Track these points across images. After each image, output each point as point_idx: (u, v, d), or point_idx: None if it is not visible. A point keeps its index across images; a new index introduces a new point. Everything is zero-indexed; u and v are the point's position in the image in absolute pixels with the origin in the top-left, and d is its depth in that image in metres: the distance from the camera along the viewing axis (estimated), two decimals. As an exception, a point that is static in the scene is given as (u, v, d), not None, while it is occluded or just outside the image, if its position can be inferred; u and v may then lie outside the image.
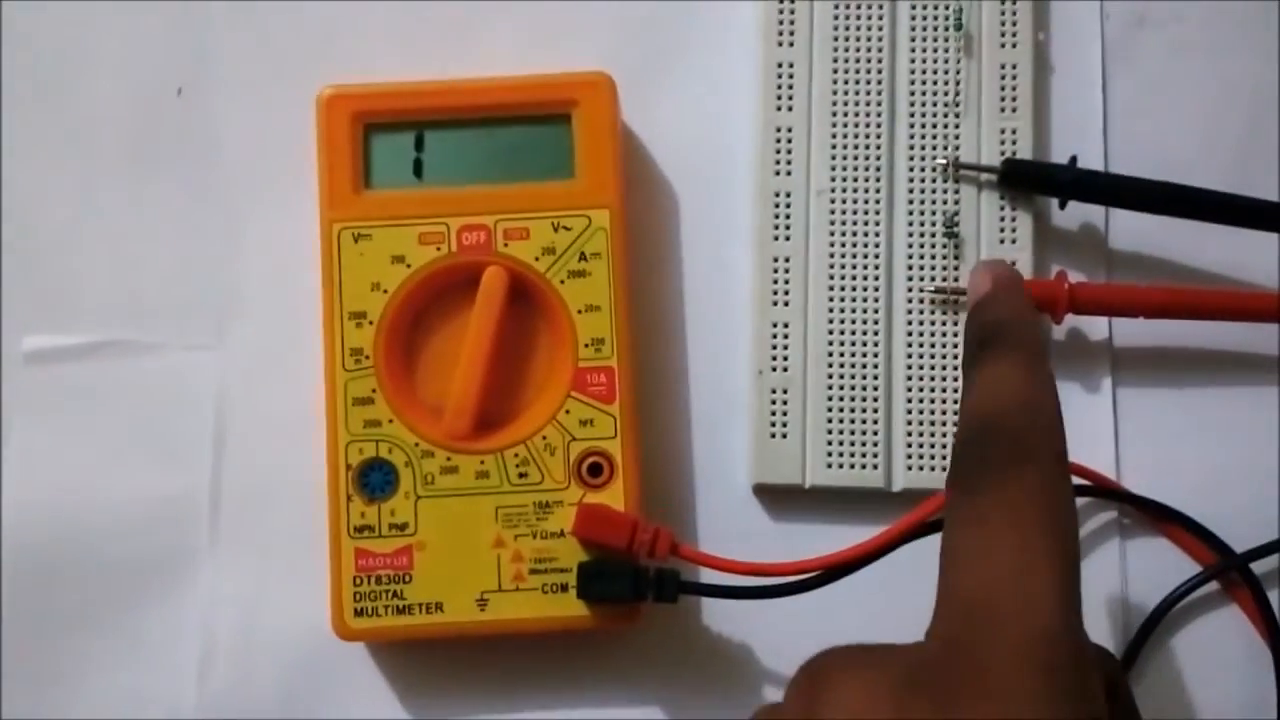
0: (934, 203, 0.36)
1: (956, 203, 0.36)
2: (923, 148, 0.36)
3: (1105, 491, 0.36)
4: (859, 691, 0.21)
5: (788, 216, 0.36)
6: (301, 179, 0.35)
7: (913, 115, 0.36)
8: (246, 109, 0.37)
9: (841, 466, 0.35)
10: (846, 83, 0.36)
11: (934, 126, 0.36)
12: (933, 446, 0.35)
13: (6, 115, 0.37)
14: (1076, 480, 0.35)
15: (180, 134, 0.37)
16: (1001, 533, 0.20)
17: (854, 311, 0.36)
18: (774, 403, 0.36)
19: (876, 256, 0.36)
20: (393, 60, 0.36)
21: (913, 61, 0.36)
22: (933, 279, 0.36)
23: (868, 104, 0.36)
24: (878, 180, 0.36)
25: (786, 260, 0.36)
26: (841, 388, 0.35)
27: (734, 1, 0.37)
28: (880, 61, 0.36)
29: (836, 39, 0.36)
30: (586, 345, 0.34)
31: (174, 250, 0.37)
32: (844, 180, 0.36)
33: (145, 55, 0.38)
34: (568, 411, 0.34)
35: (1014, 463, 0.21)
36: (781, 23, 0.36)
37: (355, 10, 0.37)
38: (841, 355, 0.36)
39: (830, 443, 0.35)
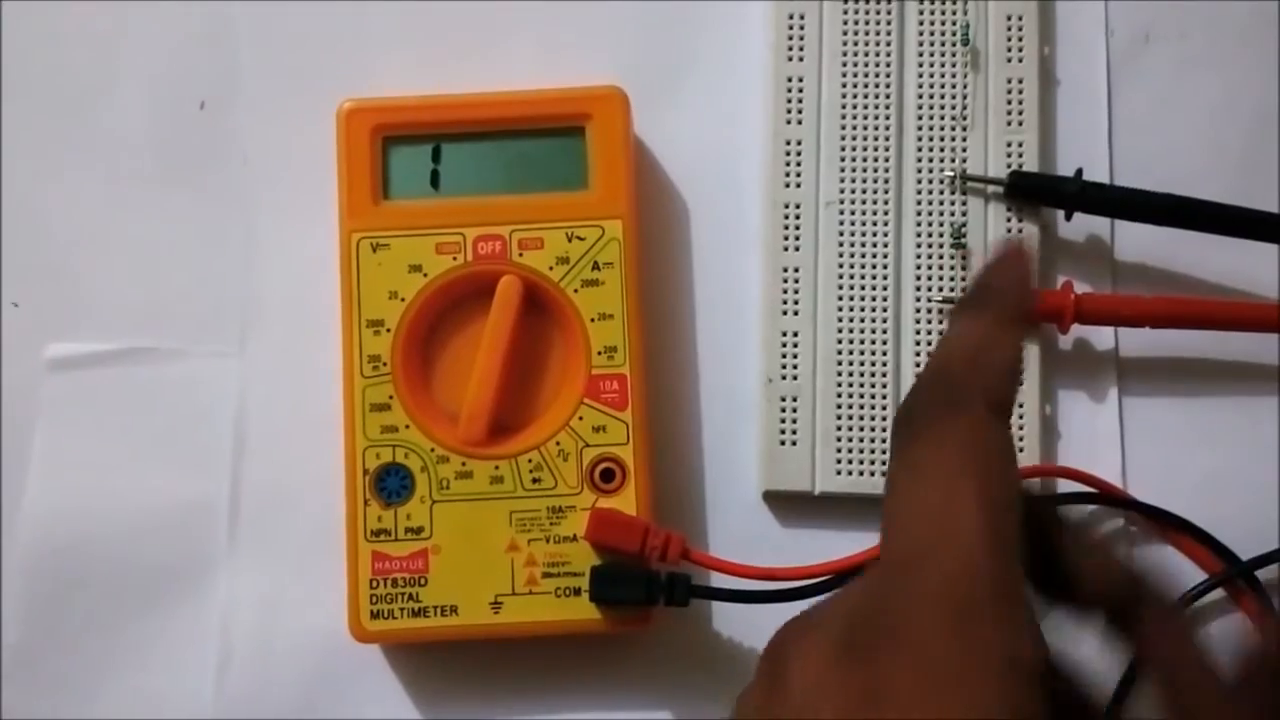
0: (941, 214, 0.37)
1: (964, 214, 0.37)
2: (930, 160, 0.37)
3: (1111, 499, 0.36)
4: (810, 659, 0.20)
5: (797, 227, 0.37)
6: (321, 190, 0.36)
7: (920, 128, 0.37)
8: (268, 122, 0.38)
9: (850, 473, 0.36)
10: (855, 96, 0.37)
11: (941, 139, 0.37)
12: (940, 454, 0.36)
13: (33, 127, 0.38)
14: (1083, 488, 0.36)
15: (203, 146, 0.38)
16: (929, 478, 0.20)
17: (863, 321, 0.36)
18: (783, 410, 0.36)
19: (885, 267, 0.36)
20: (411, 74, 0.37)
21: (920, 75, 0.37)
22: (940, 289, 0.36)
23: (876, 117, 0.37)
24: (886, 192, 0.37)
25: (796, 270, 0.37)
26: (850, 396, 0.36)
27: (744, 16, 0.38)
28: (888, 75, 0.37)
29: (845, 53, 0.37)
30: (599, 353, 0.35)
31: (196, 259, 0.38)
32: (853, 192, 0.37)
33: (169, 69, 0.38)
34: (581, 418, 0.34)
35: (948, 410, 0.21)
36: (791, 37, 0.37)
37: (375, 26, 0.38)
38: (850, 364, 0.36)
39: (839, 450, 0.36)
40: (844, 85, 0.37)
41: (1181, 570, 0.36)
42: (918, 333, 0.36)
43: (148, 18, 0.38)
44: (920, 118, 0.37)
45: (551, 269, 0.35)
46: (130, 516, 0.36)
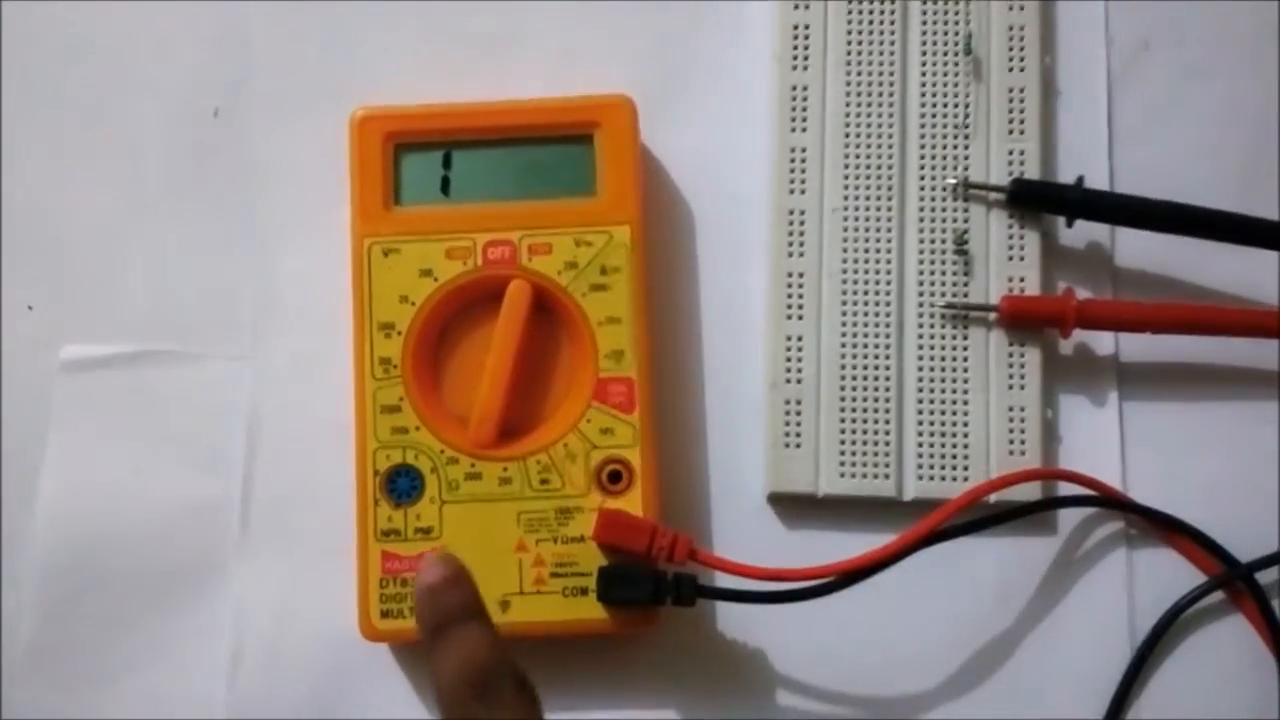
0: (944, 221, 0.37)
1: (966, 221, 0.37)
2: (933, 168, 0.37)
3: (1112, 502, 0.36)
4: None
5: (802, 234, 0.37)
6: (334, 196, 0.36)
7: (923, 136, 0.37)
8: (281, 129, 0.38)
9: (854, 476, 0.36)
10: (859, 104, 0.37)
11: (944, 147, 0.37)
12: (943, 457, 0.36)
13: (49, 132, 0.39)
14: (1084, 491, 0.36)
15: (217, 153, 0.39)
16: None
17: (866, 326, 0.37)
18: (788, 414, 0.36)
19: (888, 273, 0.37)
20: (422, 83, 0.37)
21: (923, 84, 0.38)
22: (943, 295, 0.37)
23: (880, 125, 0.37)
24: (889, 199, 0.37)
25: (800, 276, 0.37)
26: (854, 400, 0.36)
27: (749, 25, 0.39)
28: (892, 84, 0.37)
29: (849, 62, 0.38)
30: (607, 356, 0.35)
31: (209, 264, 0.38)
32: (856, 199, 0.37)
33: (183, 77, 0.39)
34: (589, 420, 0.35)
35: (493, 688, 0.28)
36: (796, 47, 0.38)
37: (387, 35, 0.39)
38: (854, 368, 0.37)
39: (843, 453, 0.36)
40: (848, 93, 0.37)
41: (1181, 573, 0.36)
42: (920, 338, 0.37)
43: (162, 25, 0.39)
44: (923, 126, 0.37)
45: (560, 274, 0.35)
46: (142, 517, 0.37)
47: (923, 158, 0.37)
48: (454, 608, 0.29)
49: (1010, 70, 0.38)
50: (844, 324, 0.37)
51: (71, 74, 0.39)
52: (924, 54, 0.38)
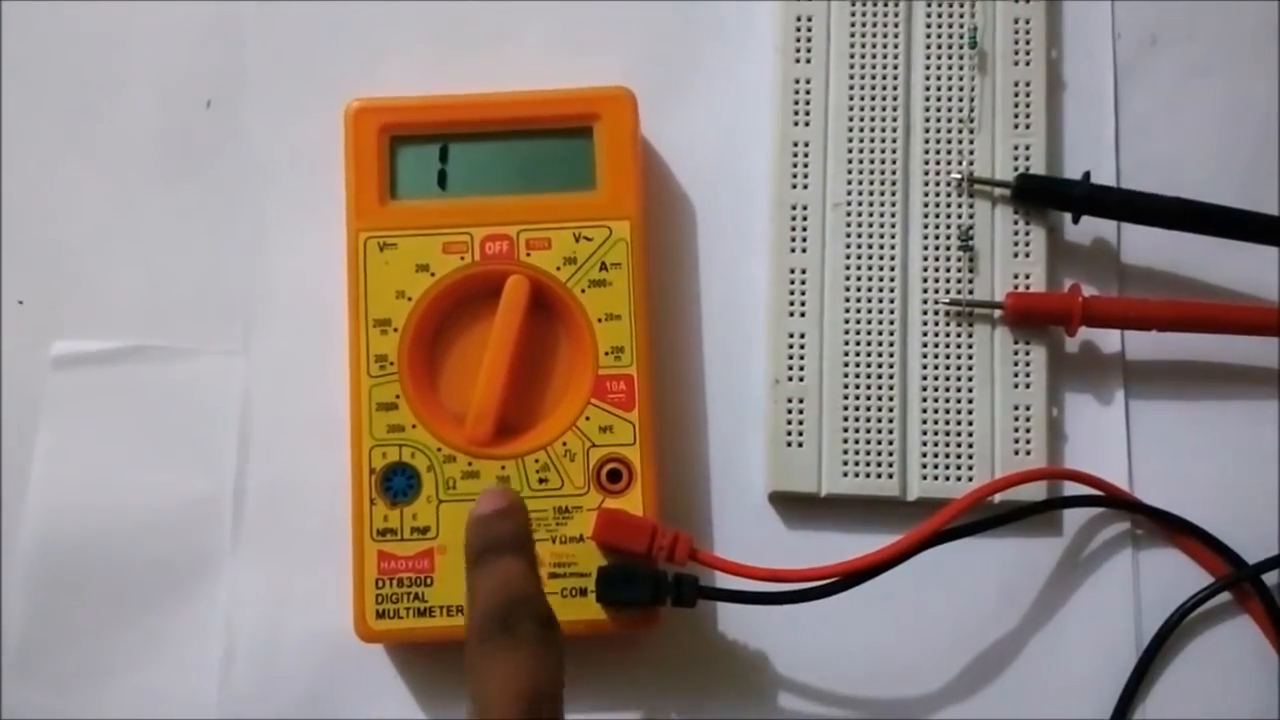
0: (949, 216, 0.37)
1: (971, 216, 0.37)
2: (938, 162, 0.37)
3: (1118, 502, 0.36)
4: None
5: (804, 229, 0.37)
6: (328, 189, 0.36)
7: (928, 130, 0.37)
8: (275, 121, 0.38)
9: (857, 475, 0.36)
10: (863, 98, 0.37)
11: (949, 141, 0.37)
12: (947, 456, 0.36)
13: (40, 124, 0.38)
14: (1089, 491, 0.36)
15: (210, 145, 0.38)
16: (499, 661, 0.28)
17: (869, 322, 0.36)
18: (790, 412, 0.36)
19: (892, 269, 0.36)
20: (419, 74, 0.37)
21: (928, 77, 0.37)
22: (948, 291, 0.36)
23: (883, 119, 0.37)
24: (893, 194, 0.37)
25: (803, 272, 0.37)
26: (857, 397, 0.36)
27: (752, 18, 0.38)
28: (896, 77, 0.37)
29: (853, 55, 0.37)
30: (606, 353, 0.35)
31: (202, 258, 0.38)
32: (860, 193, 0.37)
33: (176, 68, 0.38)
34: (588, 418, 0.34)
35: (520, 621, 0.29)
36: (799, 38, 0.37)
37: (382, 25, 0.38)
38: (857, 365, 0.36)
39: (846, 452, 0.36)
40: (851, 87, 0.37)
41: (1188, 573, 0.36)
42: (924, 335, 0.36)
43: (155, 16, 0.39)
44: (928, 120, 0.37)
45: (559, 269, 0.35)
46: (134, 515, 0.36)
47: (927, 152, 0.37)
48: (499, 538, 0.30)
49: (1016, 64, 0.37)
50: (847, 321, 0.36)
51: (61, 65, 0.38)
52: (928, 47, 0.37)
